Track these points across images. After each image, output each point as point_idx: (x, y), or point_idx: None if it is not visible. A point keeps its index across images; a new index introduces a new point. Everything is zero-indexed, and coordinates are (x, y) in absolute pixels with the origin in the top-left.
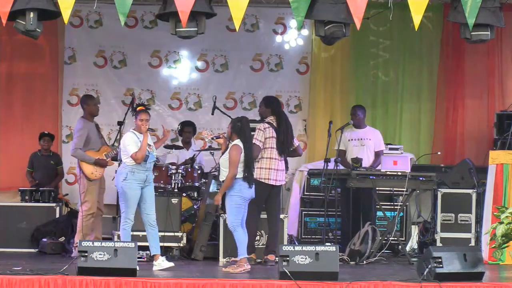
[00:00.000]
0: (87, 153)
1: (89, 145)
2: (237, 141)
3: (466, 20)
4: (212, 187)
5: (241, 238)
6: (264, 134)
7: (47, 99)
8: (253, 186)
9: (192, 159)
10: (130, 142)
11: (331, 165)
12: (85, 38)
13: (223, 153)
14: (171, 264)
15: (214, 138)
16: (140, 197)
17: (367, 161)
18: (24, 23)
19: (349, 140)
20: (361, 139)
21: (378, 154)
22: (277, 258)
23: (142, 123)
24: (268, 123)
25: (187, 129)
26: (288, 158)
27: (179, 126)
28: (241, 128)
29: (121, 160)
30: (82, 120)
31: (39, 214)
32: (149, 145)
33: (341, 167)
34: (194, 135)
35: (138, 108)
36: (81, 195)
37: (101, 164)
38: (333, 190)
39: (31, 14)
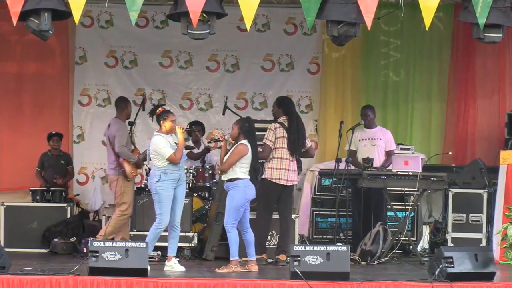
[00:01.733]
0: None
1: (126, 146)
2: (245, 141)
3: (477, 20)
4: None
5: (235, 239)
6: (275, 134)
7: (58, 99)
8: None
9: (203, 159)
10: (164, 145)
11: (342, 165)
12: (96, 38)
13: (225, 154)
14: (183, 269)
15: (212, 142)
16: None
17: (378, 161)
18: (37, 22)
19: (359, 140)
20: (372, 139)
21: (389, 154)
22: (288, 258)
23: (175, 123)
24: (280, 123)
25: (196, 128)
26: (301, 159)
27: (188, 126)
28: (249, 130)
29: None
30: (118, 120)
31: (50, 214)
32: (176, 143)
33: (352, 167)
34: (203, 134)
35: (159, 110)
36: (117, 196)
37: (138, 165)
38: (344, 190)
39: (46, 15)
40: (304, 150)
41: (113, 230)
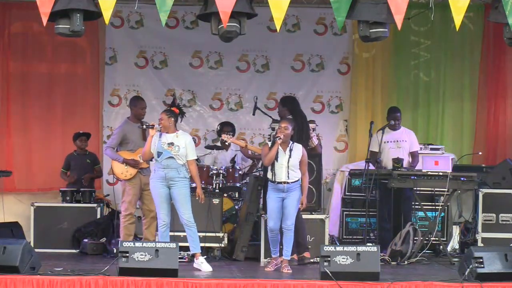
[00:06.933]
0: (121, 153)
1: (127, 146)
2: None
3: (507, 20)
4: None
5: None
6: None
7: (88, 99)
8: None
9: (232, 160)
10: (150, 139)
11: (372, 166)
12: (126, 39)
13: (289, 154)
14: (210, 269)
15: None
16: (171, 197)
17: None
18: (68, 26)
19: (385, 142)
20: (397, 141)
21: (414, 155)
22: (305, 254)
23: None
24: None
25: (226, 129)
26: (329, 159)
27: (218, 127)
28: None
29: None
30: (124, 121)
31: (80, 214)
32: (171, 143)
33: (382, 167)
34: (233, 135)
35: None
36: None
37: (130, 164)
38: (374, 191)
39: (78, 15)
40: (309, 148)
41: (125, 232)
